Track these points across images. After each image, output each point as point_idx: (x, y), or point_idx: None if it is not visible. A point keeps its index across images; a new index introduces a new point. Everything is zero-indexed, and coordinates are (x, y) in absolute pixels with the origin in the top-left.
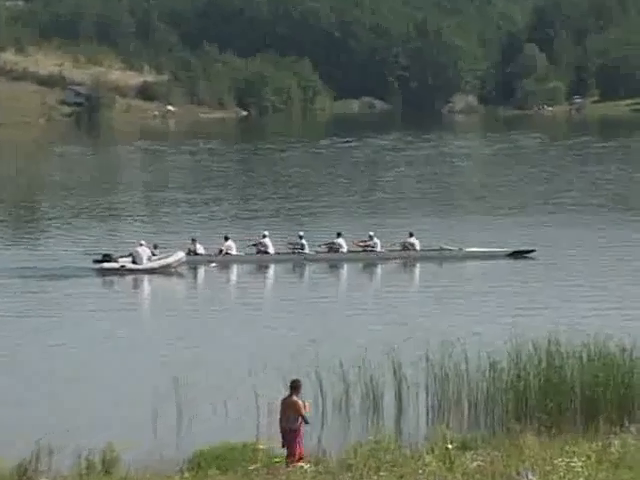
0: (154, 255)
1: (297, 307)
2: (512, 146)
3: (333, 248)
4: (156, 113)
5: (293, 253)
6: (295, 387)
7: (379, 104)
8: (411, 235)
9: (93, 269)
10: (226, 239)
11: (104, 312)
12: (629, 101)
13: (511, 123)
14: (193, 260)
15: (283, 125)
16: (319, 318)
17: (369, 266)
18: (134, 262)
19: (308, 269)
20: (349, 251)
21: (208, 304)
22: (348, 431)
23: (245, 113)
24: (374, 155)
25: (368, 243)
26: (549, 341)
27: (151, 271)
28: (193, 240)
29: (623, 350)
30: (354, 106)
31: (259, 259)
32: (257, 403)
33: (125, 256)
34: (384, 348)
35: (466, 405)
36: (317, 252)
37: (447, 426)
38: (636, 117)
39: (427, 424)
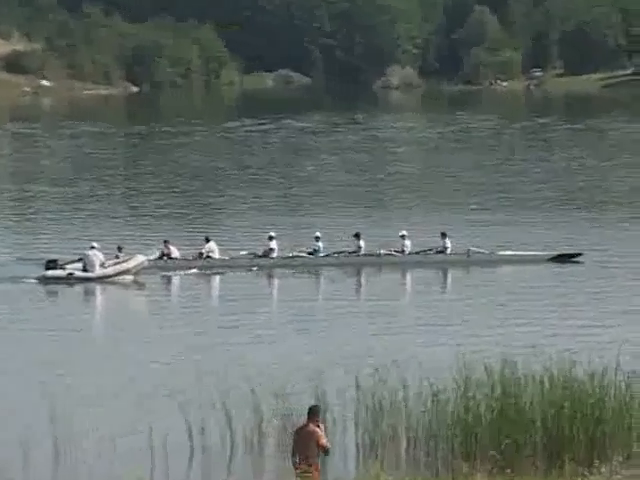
0: (117, 258)
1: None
2: (459, 129)
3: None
4: (27, 89)
5: (292, 257)
6: (313, 413)
7: (298, 78)
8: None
9: (36, 278)
10: (207, 240)
11: (41, 331)
12: (600, 75)
13: (458, 101)
14: (166, 266)
15: (182, 104)
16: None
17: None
18: (84, 269)
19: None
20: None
21: (167, 322)
22: (260, 474)
23: (136, 89)
24: (293, 140)
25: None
26: (504, 365)
27: (105, 279)
28: (165, 242)
29: (592, 375)
30: (268, 81)
31: (250, 263)
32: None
33: (74, 261)
34: (308, 373)
35: (404, 441)
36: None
37: (381, 467)
38: (608, 94)
39: (357, 464)
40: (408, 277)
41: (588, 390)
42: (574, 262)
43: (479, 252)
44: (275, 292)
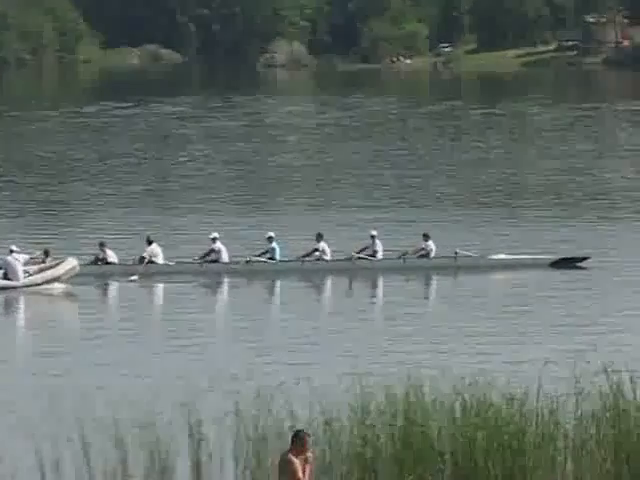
0: (43, 263)
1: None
2: (356, 114)
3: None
4: None
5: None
6: (295, 441)
7: (168, 55)
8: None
9: None
10: (149, 242)
11: None
12: (518, 51)
13: (354, 81)
14: (102, 272)
15: (31, 84)
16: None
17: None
18: (6, 276)
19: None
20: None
21: (99, 337)
22: None
23: None
24: (163, 126)
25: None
26: (409, 389)
27: (30, 288)
28: (101, 245)
29: (511, 400)
30: (133, 57)
31: (205, 269)
32: None
33: None
34: (182, 398)
35: None
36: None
37: None
38: (529, 73)
39: None
40: (380, 285)
41: (506, 417)
42: (578, 267)
43: (468, 255)
44: (220, 305)
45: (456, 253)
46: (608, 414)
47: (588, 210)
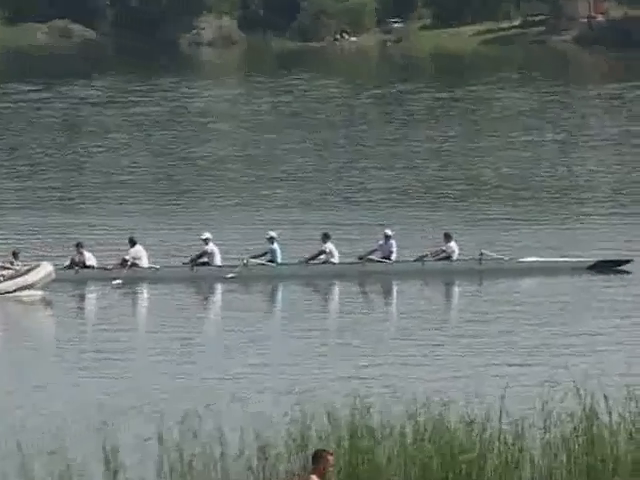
0: (11, 265)
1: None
2: (294, 99)
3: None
4: None
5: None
6: (316, 460)
7: (80, 31)
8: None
9: None
10: (132, 243)
11: None
12: (478, 27)
13: (292, 61)
14: (81, 276)
15: None
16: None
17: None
18: None
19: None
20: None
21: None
22: None
23: None
24: (73, 112)
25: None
26: (354, 411)
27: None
28: (78, 246)
29: (470, 424)
30: (39, 34)
31: (194, 275)
32: None
33: None
34: (97, 422)
35: None
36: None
37: None
38: (490, 53)
39: None
40: (394, 291)
41: (464, 443)
42: (619, 271)
43: (494, 258)
44: (211, 315)
45: (481, 254)
46: (580, 439)
47: (617, 208)
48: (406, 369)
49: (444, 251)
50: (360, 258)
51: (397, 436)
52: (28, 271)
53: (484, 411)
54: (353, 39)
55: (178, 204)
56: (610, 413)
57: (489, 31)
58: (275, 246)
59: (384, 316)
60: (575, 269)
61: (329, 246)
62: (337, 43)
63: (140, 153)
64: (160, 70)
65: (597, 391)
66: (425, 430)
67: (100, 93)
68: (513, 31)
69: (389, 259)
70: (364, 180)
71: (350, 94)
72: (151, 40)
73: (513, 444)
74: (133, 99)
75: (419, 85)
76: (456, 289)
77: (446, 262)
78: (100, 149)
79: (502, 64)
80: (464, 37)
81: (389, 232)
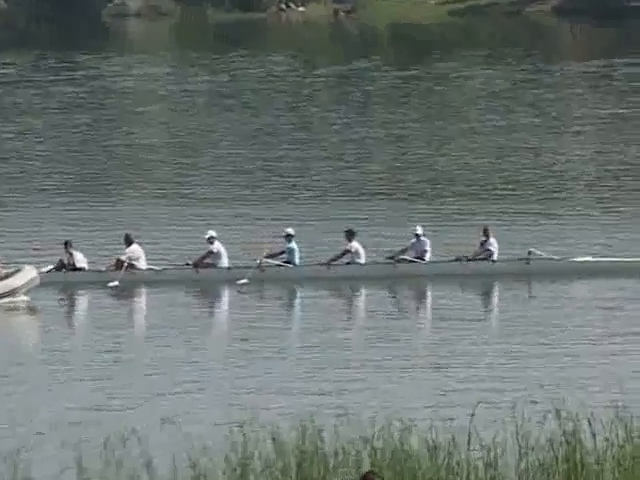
0: None
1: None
2: (234, 77)
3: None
4: None
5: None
6: None
7: None
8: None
9: None
10: (128, 242)
11: None
12: None
13: (231, 35)
14: (69, 279)
15: None
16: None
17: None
18: None
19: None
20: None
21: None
22: None
23: None
24: None
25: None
26: (302, 436)
27: None
28: (67, 244)
29: (435, 449)
30: None
31: (204, 276)
32: None
33: None
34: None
35: None
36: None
37: None
38: (457, 25)
39: None
40: (428, 295)
41: (428, 471)
42: None
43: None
44: (217, 323)
45: (529, 253)
46: (561, 468)
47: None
48: (366, 387)
49: (489, 250)
50: (390, 258)
51: (352, 463)
52: (9, 275)
53: (452, 434)
54: (300, 9)
55: (101, 195)
56: (595, 437)
57: (457, 0)
58: (293, 245)
59: (412, 325)
60: (636, 270)
61: (355, 245)
62: (282, 14)
63: (56, 139)
64: (79, 45)
65: (581, 412)
66: (383, 457)
67: (11, 71)
68: (484, 1)
69: (422, 259)
70: (314, 171)
71: (298, 72)
72: (69, 10)
73: (484, 473)
74: (47, 78)
75: (377, 62)
76: (502, 293)
77: (488, 263)
78: (10, 134)
79: (472, 37)
80: (428, 6)
81: (420, 230)
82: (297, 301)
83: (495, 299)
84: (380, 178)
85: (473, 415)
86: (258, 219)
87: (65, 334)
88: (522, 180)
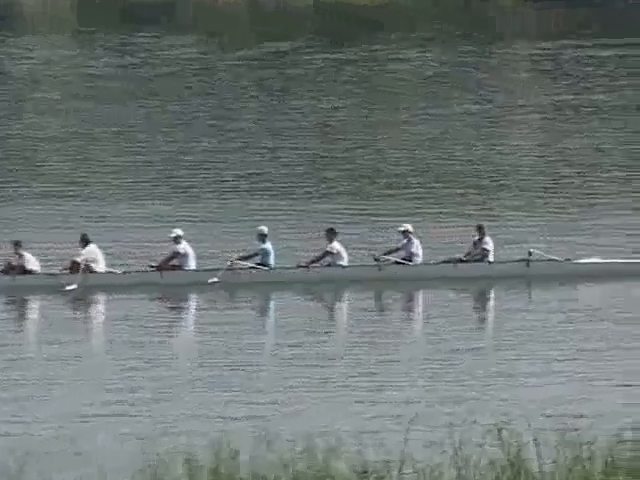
0: None
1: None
2: (140, 60)
3: None
4: None
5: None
6: None
7: None
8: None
9: None
10: (85, 241)
11: None
12: None
13: (137, 13)
14: (19, 284)
15: None
16: None
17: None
18: None
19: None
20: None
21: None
22: None
23: None
24: None
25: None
26: (217, 459)
27: None
28: (17, 245)
29: (364, 475)
30: None
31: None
32: None
33: None
34: None
35: None
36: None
37: None
38: (392, 1)
39: None
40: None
41: None
42: None
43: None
44: (183, 332)
45: (530, 254)
46: None
47: None
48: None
49: (484, 249)
50: (376, 260)
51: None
52: None
53: (384, 457)
54: None
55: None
56: (540, 458)
57: None
58: (268, 245)
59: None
60: None
61: (336, 246)
62: None
63: None
64: None
65: (526, 433)
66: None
67: None
68: None
69: (411, 261)
70: (228, 163)
71: (211, 55)
72: None
73: None
74: None
75: (299, 44)
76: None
77: (483, 264)
78: None
79: (409, 17)
80: None
81: (407, 227)
82: (271, 308)
83: (490, 306)
84: (302, 172)
85: (407, 437)
86: (154, 214)
87: (14, 344)
88: (513, 173)
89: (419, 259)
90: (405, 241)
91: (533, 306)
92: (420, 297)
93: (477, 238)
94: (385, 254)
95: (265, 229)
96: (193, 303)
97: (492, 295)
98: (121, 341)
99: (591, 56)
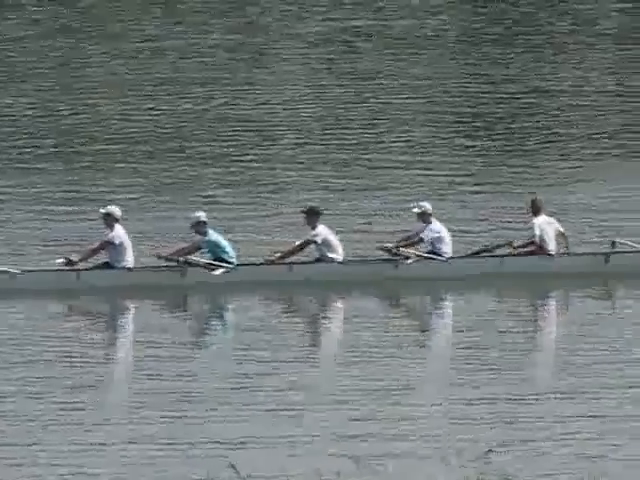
0: None
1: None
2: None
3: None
4: None
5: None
6: None
7: None
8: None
9: None
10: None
11: None
12: None
13: None
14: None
15: None
16: None
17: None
18: None
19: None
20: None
21: None
22: None
23: None
24: None
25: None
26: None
27: None
28: None
29: None
30: None
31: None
32: None
33: None
34: None
35: None
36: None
37: None
38: None
39: None
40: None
41: None
42: None
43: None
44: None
45: (613, 244)
46: None
47: None
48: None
49: (540, 237)
50: (387, 251)
51: None
52: None
53: None
54: None
55: None
56: None
57: None
58: (214, 235)
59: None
60: None
61: (321, 232)
62: None
63: None
64: None
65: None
66: None
67: None
68: None
69: (439, 255)
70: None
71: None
72: None
73: None
74: None
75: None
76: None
77: (542, 258)
78: None
79: None
80: None
81: (428, 208)
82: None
83: (552, 310)
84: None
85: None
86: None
87: None
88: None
89: (448, 251)
90: (425, 226)
91: (616, 309)
92: (453, 300)
93: (533, 220)
94: (399, 244)
95: (203, 215)
96: (123, 311)
97: (557, 300)
98: None
99: None
